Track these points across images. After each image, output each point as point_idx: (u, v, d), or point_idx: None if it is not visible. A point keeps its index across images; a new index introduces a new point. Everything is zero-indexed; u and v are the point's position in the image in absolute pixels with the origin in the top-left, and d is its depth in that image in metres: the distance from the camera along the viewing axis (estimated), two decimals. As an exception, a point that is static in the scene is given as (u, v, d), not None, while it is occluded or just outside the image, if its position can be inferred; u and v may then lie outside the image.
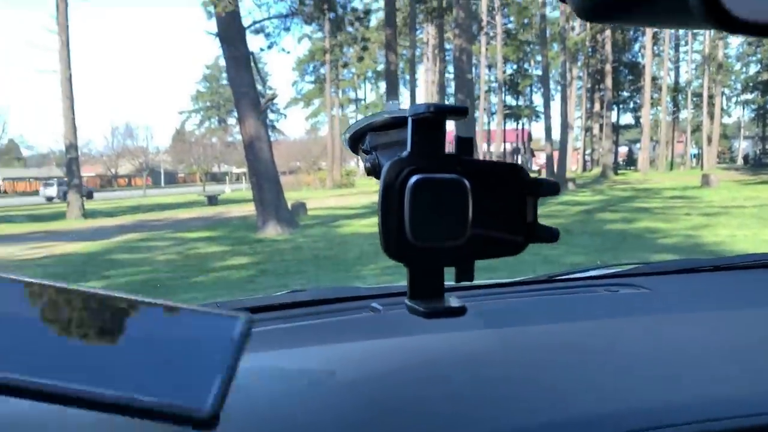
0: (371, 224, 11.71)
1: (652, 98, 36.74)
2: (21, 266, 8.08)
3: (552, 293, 0.96)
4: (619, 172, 36.44)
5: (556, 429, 0.53)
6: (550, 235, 0.44)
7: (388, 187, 0.40)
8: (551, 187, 0.43)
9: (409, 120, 0.40)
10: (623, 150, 49.96)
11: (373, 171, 0.49)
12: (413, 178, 0.39)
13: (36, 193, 40.35)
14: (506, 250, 0.43)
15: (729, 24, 0.24)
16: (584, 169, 42.21)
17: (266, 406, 0.55)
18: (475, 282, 0.94)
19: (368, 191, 24.00)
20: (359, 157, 0.55)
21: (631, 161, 47.43)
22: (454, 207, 0.40)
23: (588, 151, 44.24)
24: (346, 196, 21.93)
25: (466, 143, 0.42)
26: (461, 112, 0.41)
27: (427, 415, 0.55)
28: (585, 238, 8.34)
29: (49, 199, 29.41)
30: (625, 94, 42.78)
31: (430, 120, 0.40)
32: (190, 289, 5.93)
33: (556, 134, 29.59)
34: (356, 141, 0.53)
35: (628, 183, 25.17)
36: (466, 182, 0.40)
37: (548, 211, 12.57)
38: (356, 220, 12.63)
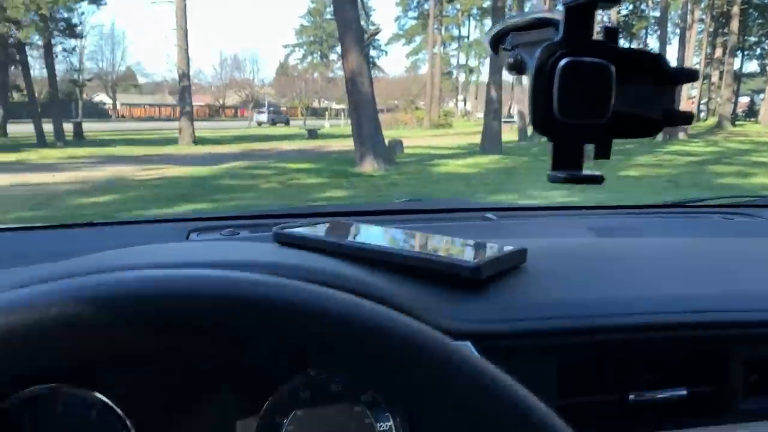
0: (467, 165, 11.60)
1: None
2: (137, 186, 8.68)
3: (671, 216, 1.02)
4: (737, 123, 33.83)
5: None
6: (686, 120, 0.47)
7: (540, 68, 0.44)
8: (690, 75, 0.46)
9: (564, 8, 0.44)
10: (744, 100, 46.14)
11: (515, 66, 0.52)
12: (564, 61, 0.43)
13: (150, 118, 42.80)
14: (644, 131, 0.47)
15: None
16: (698, 118, 39.50)
17: None
18: (608, 203, 1.01)
19: (466, 132, 23.67)
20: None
21: (751, 113, 43.78)
22: (599, 88, 0.44)
23: (704, 100, 41.27)
24: (443, 137, 21.76)
25: (612, 32, 0.46)
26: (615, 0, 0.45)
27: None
28: (694, 192, 7.88)
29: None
30: (752, 39, 39.14)
31: (582, 6, 0.44)
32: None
33: (671, 81, 27.57)
34: (497, 41, 0.56)
35: (747, 135, 23.30)
36: (612, 67, 0.43)
37: (656, 160, 11.93)
38: (453, 160, 12.54)
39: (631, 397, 0.58)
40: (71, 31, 24.85)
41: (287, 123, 37.54)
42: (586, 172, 0.47)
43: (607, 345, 0.56)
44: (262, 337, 0.34)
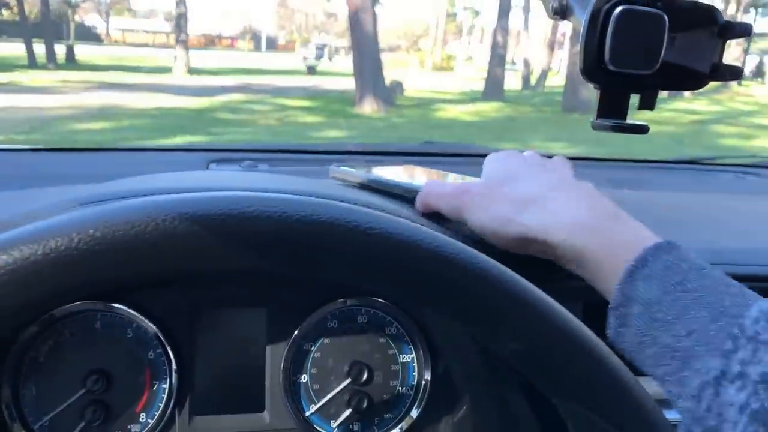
0: (470, 112, 11.50)
1: (797, 5, 32.78)
2: (132, 115, 8.56)
3: (687, 170, 1.04)
4: (743, 83, 33.53)
5: None
6: (734, 74, 0.48)
7: (595, 13, 0.44)
8: (743, 29, 0.47)
9: None
10: (753, 60, 45.55)
11: (560, 10, 0.52)
12: (619, 8, 0.43)
13: (144, 45, 41.81)
14: (690, 84, 0.48)
15: None
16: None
17: None
18: (630, 156, 1.03)
19: (469, 77, 23.35)
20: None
21: (759, 73, 43.30)
22: (651, 38, 0.44)
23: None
24: (444, 81, 21.45)
25: None
26: None
27: None
28: (697, 152, 7.88)
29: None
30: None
31: None
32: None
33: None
34: None
35: (752, 96, 23.12)
36: (665, 17, 0.44)
37: (658, 117, 11.85)
38: (454, 105, 12.41)
39: None
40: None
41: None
42: (630, 121, 0.47)
43: None
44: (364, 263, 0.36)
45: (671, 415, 0.38)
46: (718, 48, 0.47)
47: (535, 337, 0.37)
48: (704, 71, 0.47)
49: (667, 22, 0.44)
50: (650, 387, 0.39)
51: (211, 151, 0.96)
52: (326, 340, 0.55)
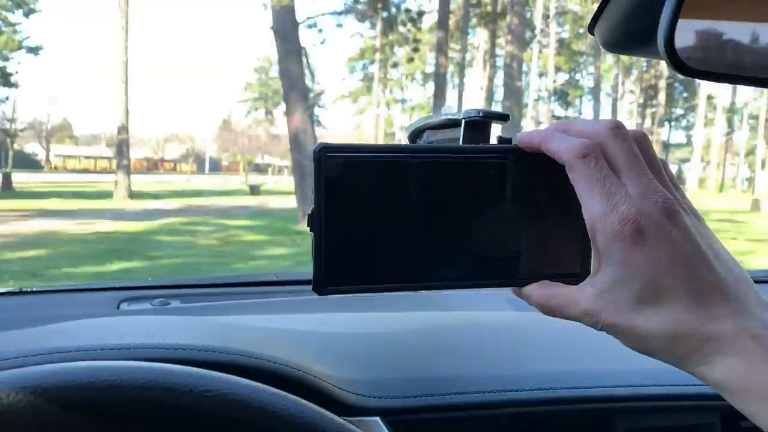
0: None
1: (705, 117, 35.84)
2: (68, 242, 8.38)
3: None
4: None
5: None
6: None
7: None
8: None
9: (462, 121, 0.48)
10: (672, 169, 48.73)
11: None
12: None
13: (85, 171, 41.57)
14: None
15: (683, 69, 0.32)
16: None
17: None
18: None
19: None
20: None
21: (679, 180, 46.26)
22: None
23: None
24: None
25: (505, 140, 0.48)
26: (504, 118, 0.49)
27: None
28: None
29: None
30: (679, 111, 41.85)
31: (479, 122, 0.48)
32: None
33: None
34: (415, 136, 0.63)
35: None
36: None
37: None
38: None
39: None
40: (5, 79, 24.29)
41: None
42: None
43: (502, 418, 0.61)
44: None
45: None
46: None
47: None
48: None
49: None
50: None
51: (124, 289, 0.97)
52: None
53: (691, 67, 0.32)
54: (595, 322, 0.36)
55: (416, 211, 0.39)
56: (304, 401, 0.39)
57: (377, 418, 0.55)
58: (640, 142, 0.37)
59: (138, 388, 0.35)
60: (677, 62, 0.32)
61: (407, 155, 0.39)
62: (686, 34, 0.32)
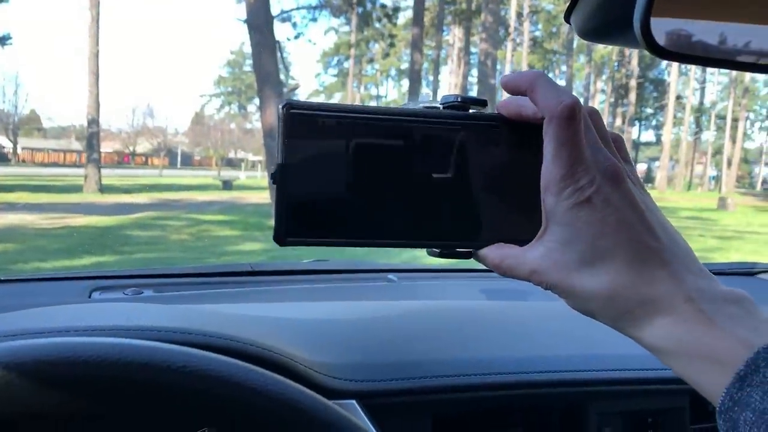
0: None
1: (675, 117, 36.53)
2: (39, 235, 8.21)
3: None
4: (636, 188, 36.09)
5: None
6: None
7: None
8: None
9: (441, 106, 0.47)
10: (642, 167, 49.74)
11: None
12: None
13: (54, 164, 40.76)
14: None
15: (660, 52, 0.32)
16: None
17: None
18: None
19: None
20: None
21: (648, 179, 47.20)
22: None
23: (605, 165, 43.91)
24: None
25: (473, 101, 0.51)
26: (482, 103, 0.48)
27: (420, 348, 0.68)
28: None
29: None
30: (649, 110, 42.65)
31: (457, 107, 0.47)
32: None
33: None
34: None
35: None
36: None
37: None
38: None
39: None
40: (-28, 70, 23.63)
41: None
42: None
43: (476, 401, 0.62)
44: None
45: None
46: None
47: None
48: None
49: None
50: None
51: (95, 278, 0.95)
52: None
53: (667, 49, 0.33)
54: (541, 282, 0.37)
55: (379, 171, 0.40)
56: (283, 378, 0.39)
57: (353, 401, 0.55)
58: (593, 116, 0.39)
59: (118, 364, 0.35)
60: (654, 45, 0.33)
61: (371, 116, 0.40)
62: (662, 17, 0.33)
